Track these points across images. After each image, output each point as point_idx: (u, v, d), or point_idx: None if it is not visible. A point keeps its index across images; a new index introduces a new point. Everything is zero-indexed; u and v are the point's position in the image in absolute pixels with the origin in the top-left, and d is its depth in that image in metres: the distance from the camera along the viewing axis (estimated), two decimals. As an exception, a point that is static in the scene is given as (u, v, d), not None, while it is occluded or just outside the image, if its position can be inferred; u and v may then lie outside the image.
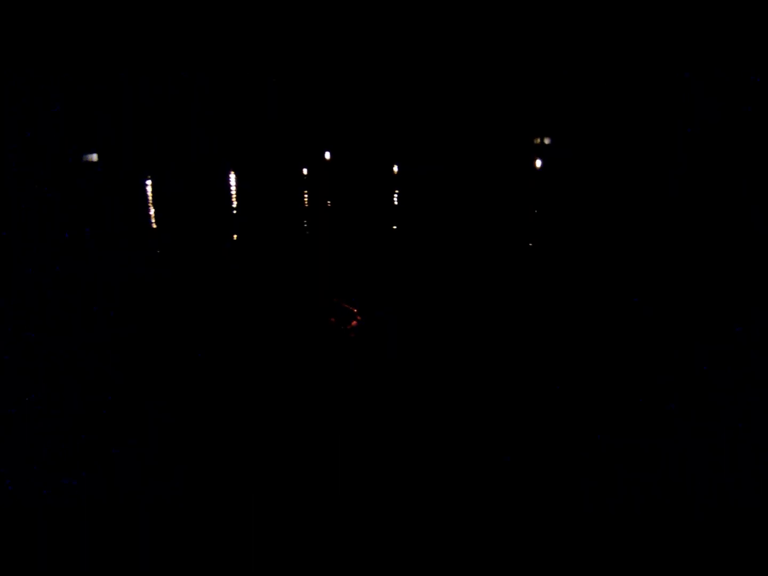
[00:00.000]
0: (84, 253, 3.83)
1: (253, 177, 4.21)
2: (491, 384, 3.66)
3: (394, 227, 4.28)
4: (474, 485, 3.09)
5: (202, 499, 3.00)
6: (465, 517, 2.91)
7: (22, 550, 2.74)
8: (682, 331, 3.59)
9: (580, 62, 3.67)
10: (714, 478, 3.07)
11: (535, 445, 3.30)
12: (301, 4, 3.86)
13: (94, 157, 3.78)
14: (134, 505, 2.93)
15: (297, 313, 3.86)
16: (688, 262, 3.67)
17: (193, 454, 3.24)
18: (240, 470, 3.16)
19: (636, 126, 3.72)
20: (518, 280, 4.03)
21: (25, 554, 2.72)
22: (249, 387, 3.58)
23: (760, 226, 3.50)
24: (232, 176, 4.19)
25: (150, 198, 4.05)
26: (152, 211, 4.05)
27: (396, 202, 4.28)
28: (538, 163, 4.01)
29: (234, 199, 4.19)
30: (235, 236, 4.16)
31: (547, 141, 4.01)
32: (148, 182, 4.04)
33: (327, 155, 4.25)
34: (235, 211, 4.17)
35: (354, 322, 3.68)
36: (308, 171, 4.32)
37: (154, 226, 4.07)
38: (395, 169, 4.20)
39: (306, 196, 4.34)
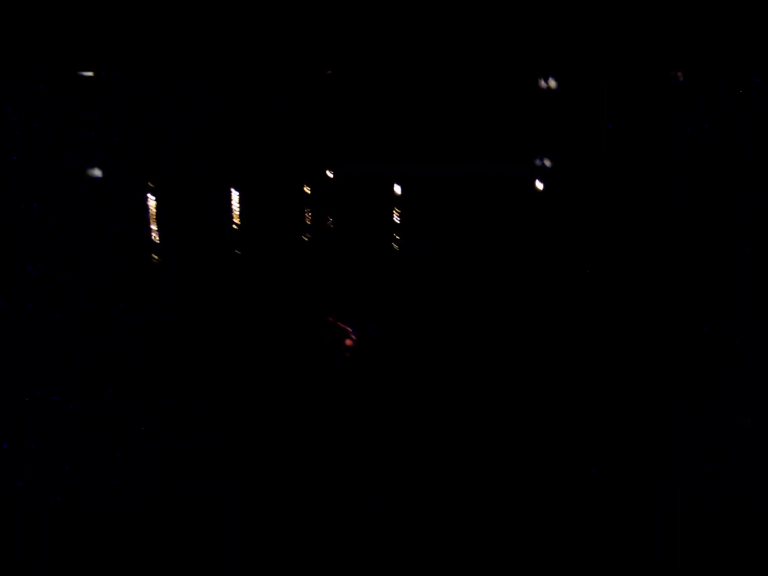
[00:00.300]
0: (84, 267, 3.87)
1: (255, 194, 4.23)
2: (487, 405, 3.65)
3: (395, 246, 4.28)
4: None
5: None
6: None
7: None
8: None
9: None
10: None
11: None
12: (301, 22, 3.89)
13: (97, 172, 3.83)
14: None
15: (290, 330, 3.87)
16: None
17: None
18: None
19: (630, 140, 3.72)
20: (519, 300, 4.01)
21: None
22: (243, 404, 3.59)
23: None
24: (234, 194, 4.22)
25: (152, 213, 4.09)
26: (153, 227, 4.09)
27: (397, 221, 4.29)
28: (539, 185, 4.00)
29: (235, 216, 4.22)
30: (235, 253, 4.18)
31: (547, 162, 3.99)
32: (150, 199, 4.08)
33: (329, 173, 4.27)
34: (235, 227, 4.20)
35: (348, 342, 3.67)
36: (311, 189, 4.34)
37: (156, 240, 4.11)
38: (397, 189, 4.21)
39: (308, 213, 4.35)
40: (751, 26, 2.99)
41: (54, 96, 3.56)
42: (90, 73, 3.67)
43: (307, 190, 4.28)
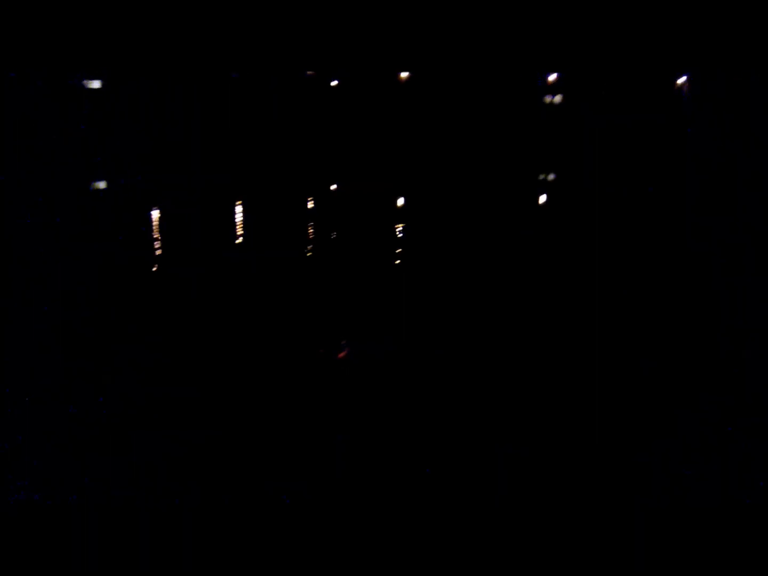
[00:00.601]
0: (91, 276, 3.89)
1: (259, 209, 4.25)
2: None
3: (397, 261, 4.27)
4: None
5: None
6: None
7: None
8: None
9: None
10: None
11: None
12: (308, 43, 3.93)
13: (102, 185, 3.85)
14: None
15: (288, 342, 3.87)
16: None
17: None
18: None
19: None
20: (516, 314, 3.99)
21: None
22: (244, 413, 3.58)
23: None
24: (239, 208, 4.24)
25: (155, 226, 4.11)
26: (157, 238, 4.11)
27: (400, 235, 4.29)
28: (542, 198, 3.99)
29: (239, 230, 4.24)
30: (237, 264, 4.19)
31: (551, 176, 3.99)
32: (155, 212, 4.11)
33: (333, 187, 4.29)
34: (240, 240, 4.21)
35: (343, 354, 3.67)
36: (314, 203, 4.36)
37: (158, 252, 4.13)
38: (399, 202, 4.22)
39: (311, 228, 4.36)
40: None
41: (56, 105, 3.63)
42: (97, 84, 3.73)
43: (309, 204, 4.30)
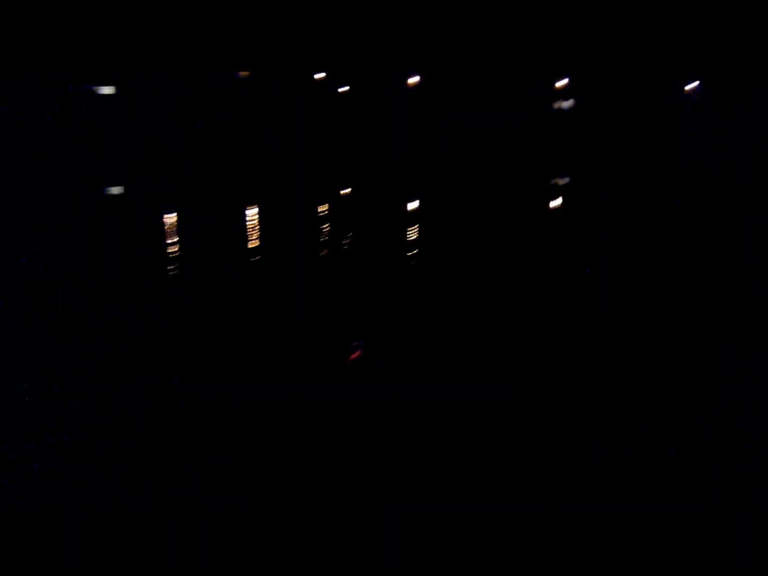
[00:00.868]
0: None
1: (273, 212, 4.28)
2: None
3: (411, 262, 4.29)
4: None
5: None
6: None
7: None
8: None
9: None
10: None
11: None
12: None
13: (116, 190, 3.90)
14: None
15: (301, 343, 3.90)
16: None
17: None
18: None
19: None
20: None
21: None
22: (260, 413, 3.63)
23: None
24: (252, 211, 4.27)
25: (169, 229, 4.16)
26: (172, 241, 4.16)
27: (412, 238, 4.30)
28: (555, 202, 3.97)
29: (253, 231, 4.27)
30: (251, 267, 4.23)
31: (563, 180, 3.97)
32: (170, 215, 4.15)
33: (347, 190, 4.30)
34: (253, 243, 4.25)
35: (355, 355, 3.69)
36: (328, 206, 4.38)
37: (174, 254, 4.18)
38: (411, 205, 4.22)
39: (325, 229, 4.39)
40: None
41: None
42: (110, 90, 3.78)
43: (324, 208, 4.32)
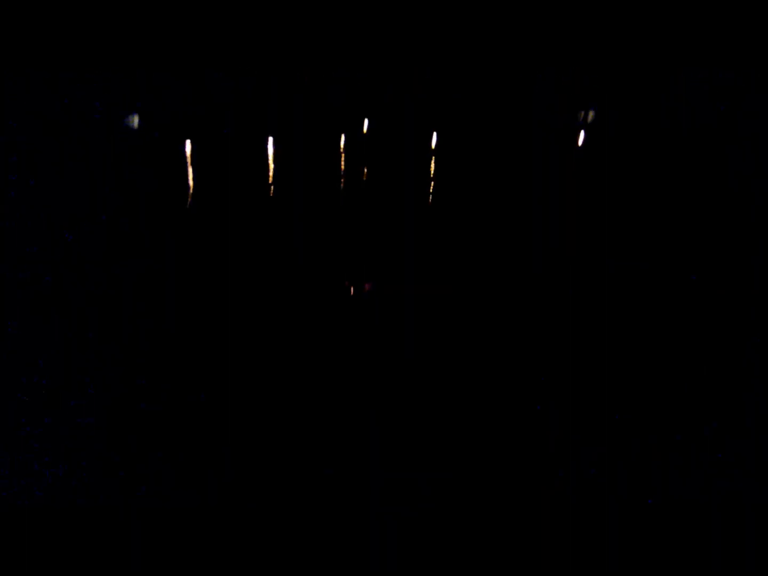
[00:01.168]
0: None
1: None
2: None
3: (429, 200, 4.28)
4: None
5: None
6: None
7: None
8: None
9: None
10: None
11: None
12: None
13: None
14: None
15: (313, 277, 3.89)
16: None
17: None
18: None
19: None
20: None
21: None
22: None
23: None
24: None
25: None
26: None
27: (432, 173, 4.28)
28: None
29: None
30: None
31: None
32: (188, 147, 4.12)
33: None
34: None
35: (367, 286, 3.74)
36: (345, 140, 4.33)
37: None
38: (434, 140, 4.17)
39: (342, 160, 4.36)
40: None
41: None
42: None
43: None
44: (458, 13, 2.92)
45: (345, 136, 3.55)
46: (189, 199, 3.84)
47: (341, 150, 3.77)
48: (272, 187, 3.71)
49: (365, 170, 3.73)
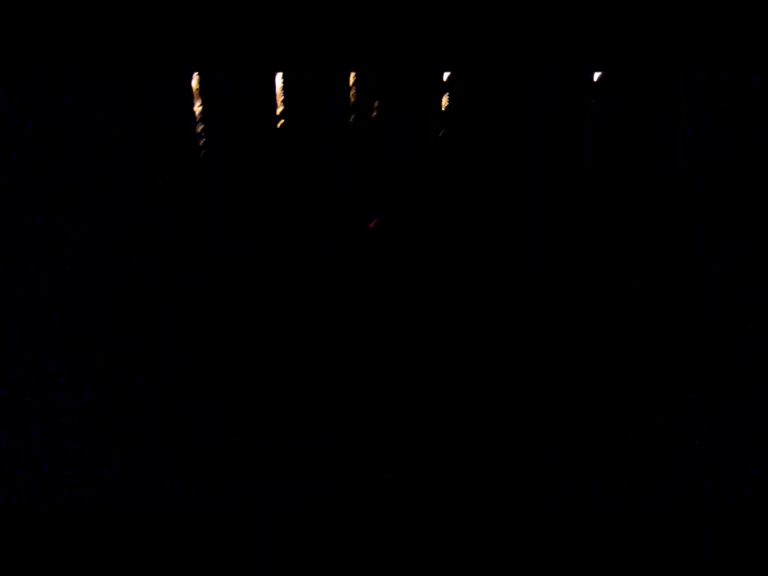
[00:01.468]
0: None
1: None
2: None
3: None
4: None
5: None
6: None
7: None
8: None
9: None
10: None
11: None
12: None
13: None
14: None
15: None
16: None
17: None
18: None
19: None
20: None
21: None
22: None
23: None
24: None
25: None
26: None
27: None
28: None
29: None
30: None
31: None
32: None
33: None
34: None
35: (374, 222, 3.66)
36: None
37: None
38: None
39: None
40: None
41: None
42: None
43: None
44: (458, 14, 2.94)
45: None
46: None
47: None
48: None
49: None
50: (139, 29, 2.92)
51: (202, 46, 3.04)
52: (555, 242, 3.17)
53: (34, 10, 2.91)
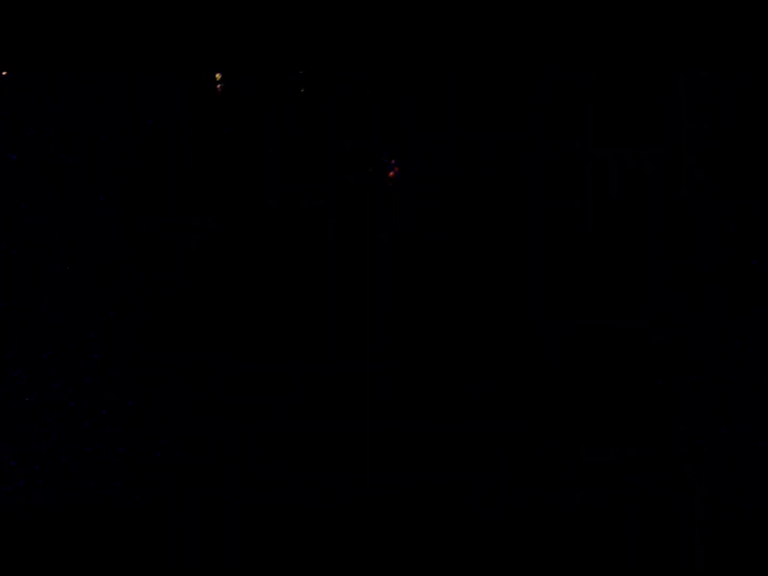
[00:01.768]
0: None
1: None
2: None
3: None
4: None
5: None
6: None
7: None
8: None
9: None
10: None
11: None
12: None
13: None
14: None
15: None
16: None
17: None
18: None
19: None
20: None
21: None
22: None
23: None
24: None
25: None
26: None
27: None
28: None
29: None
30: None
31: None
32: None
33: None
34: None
35: (392, 173, 3.65)
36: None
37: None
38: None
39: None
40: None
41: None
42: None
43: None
44: (458, 14, 2.95)
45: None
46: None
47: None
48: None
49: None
50: (139, 29, 2.93)
51: (202, 46, 3.05)
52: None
53: (33, 10, 2.92)
